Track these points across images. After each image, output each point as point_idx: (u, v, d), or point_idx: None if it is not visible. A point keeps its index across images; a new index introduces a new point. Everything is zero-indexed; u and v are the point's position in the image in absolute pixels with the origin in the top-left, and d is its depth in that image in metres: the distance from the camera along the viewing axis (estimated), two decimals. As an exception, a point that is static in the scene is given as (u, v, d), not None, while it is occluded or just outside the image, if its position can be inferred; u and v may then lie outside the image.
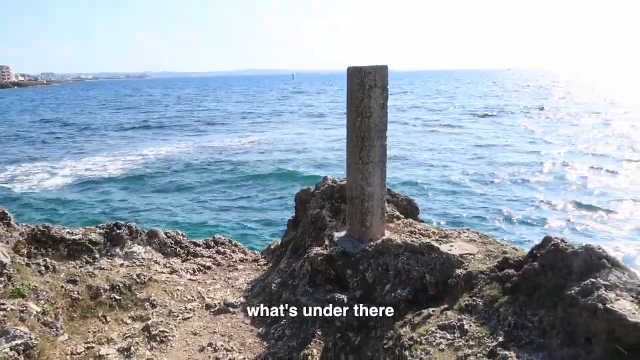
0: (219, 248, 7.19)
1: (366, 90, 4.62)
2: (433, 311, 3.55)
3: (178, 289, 5.65)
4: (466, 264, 3.84)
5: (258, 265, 6.83)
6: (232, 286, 6.15)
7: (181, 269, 6.44)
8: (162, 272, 6.19)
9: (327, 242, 5.04)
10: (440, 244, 4.33)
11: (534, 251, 3.28)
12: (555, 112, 55.08)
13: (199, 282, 6.24)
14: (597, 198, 20.08)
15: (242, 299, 5.53)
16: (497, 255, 3.92)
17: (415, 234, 4.67)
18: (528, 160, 28.35)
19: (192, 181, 25.28)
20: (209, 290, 5.99)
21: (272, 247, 7.06)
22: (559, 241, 3.05)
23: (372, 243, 4.65)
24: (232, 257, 7.03)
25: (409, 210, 6.11)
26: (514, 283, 3.14)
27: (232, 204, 20.81)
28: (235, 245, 7.63)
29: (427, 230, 4.76)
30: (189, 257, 6.84)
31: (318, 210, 5.55)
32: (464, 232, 4.62)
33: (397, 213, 5.41)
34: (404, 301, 3.97)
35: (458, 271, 3.72)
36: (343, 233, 5.14)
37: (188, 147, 37.67)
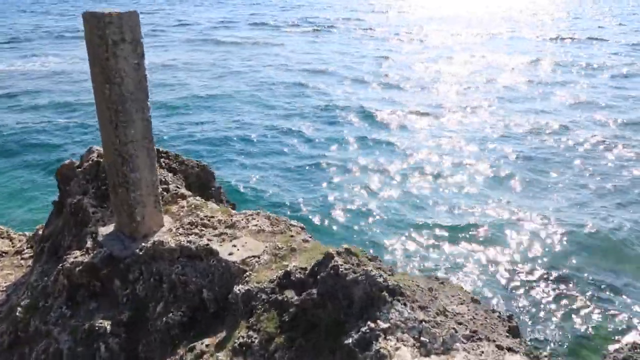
0: (-36, 241, 5.53)
1: (110, 46, 3.38)
2: (207, 346, 2.87)
3: None
4: (248, 273, 3.18)
5: (22, 259, 5.42)
6: (-21, 299, 4.73)
7: None
8: None
9: (89, 244, 3.95)
10: (223, 240, 3.60)
11: (316, 268, 2.71)
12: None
13: None
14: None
15: (-14, 322, 4.23)
16: (284, 256, 3.34)
17: (197, 225, 3.84)
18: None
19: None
20: (-59, 310, 4.51)
21: (40, 232, 5.64)
22: (340, 264, 2.50)
23: (143, 244, 3.71)
24: (-15, 252, 5.46)
25: (203, 178, 5.24)
26: (293, 315, 2.56)
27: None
28: (-6, 231, 5.99)
29: (212, 217, 3.96)
30: None
31: (79, 198, 4.33)
32: (253, 217, 3.94)
33: (183, 190, 4.49)
34: (179, 326, 3.21)
35: (237, 289, 3.05)
36: (111, 228, 4.08)
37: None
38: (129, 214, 3.86)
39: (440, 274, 9.34)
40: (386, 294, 2.30)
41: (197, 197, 4.45)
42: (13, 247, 5.90)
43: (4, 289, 4.87)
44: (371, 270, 2.40)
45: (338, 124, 18.37)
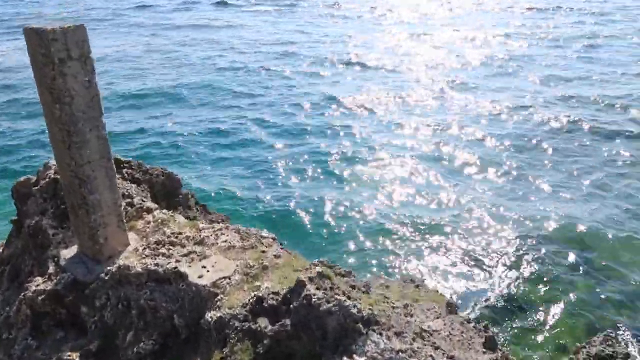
0: None
1: (57, 65, 3.16)
2: (180, 378, 2.78)
3: None
4: (220, 297, 3.09)
5: (-19, 280, 5.16)
6: (-62, 327, 4.50)
7: None
8: None
9: (52, 268, 3.78)
10: (192, 260, 3.48)
11: (288, 296, 2.64)
12: None
13: None
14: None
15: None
16: (256, 275, 3.25)
17: (165, 244, 3.70)
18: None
19: None
20: None
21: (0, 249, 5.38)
22: (312, 293, 2.43)
23: (108, 268, 3.56)
24: (-59, 275, 5.18)
25: (169, 186, 5.06)
26: (267, 347, 2.49)
27: None
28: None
29: (180, 233, 3.83)
30: None
31: (38, 219, 4.12)
32: (222, 232, 3.82)
33: (148, 204, 4.32)
34: (150, 355, 3.11)
35: (209, 315, 2.96)
36: (74, 250, 3.91)
37: None
38: (91, 236, 3.69)
39: (415, 271, 9.41)
40: (361, 326, 2.25)
41: (164, 211, 4.29)
42: (-28, 265, 5.61)
43: (-35, 315, 4.64)
44: (344, 300, 2.34)
45: (303, 111, 18.04)
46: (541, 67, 23.03)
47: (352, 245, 10.35)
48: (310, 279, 2.59)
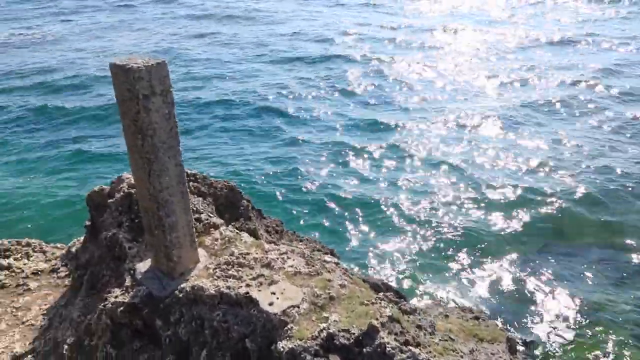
0: (1, 261, 5.68)
1: (141, 101, 3.35)
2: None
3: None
4: (290, 326, 3.26)
5: (58, 277, 5.58)
6: (23, 323, 4.93)
7: (-54, 311, 4.95)
8: None
9: (128, 282, 4.05)
10: (261, 284, 3.67)
11: (360, 338, 2.78)
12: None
13: (-26, 326, 4.88)
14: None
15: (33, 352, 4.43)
16: (324, 306, 3.40)
17: (234, 265, 3.90)
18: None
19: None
20: (-11, 338, 4.71)
21: (74, 249, 5.77)
22: (386, 342, 2.55)
23: (182, 286, 3.80)
24: (22, 271, 5.63)
25: (231, 198, 5.27)
26: (340, 387, 2.65)
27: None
28: (28, 246, 6.15)
29: (248, 254, 4.02)
30: (-43, 287, 5.28)
31: (114, 233, 4.41)
32: (288, 256, 3.98)
33: (214, 219, 4.53)
34: (223, 375, 3.34)
35: (280, 345, 3.13)
36: (148, 263, 4.17)
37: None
38: (166, 255, 3.93)
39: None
40: (435, 381, 2.36)
41: (230, 228, 4.50)
42: (47, 260, 6.06)
43: (45, 312, 5.04)
44: (418, 353, 2.45)
45: (344, 105, 17.97)
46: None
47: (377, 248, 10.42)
48: (383, 325, 2.71)
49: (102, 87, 19.65)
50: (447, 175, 13.26)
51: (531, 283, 9.28)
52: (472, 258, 10.10)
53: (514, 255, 10.12)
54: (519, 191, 12.30)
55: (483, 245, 10.45)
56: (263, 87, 19.71)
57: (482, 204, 11.91)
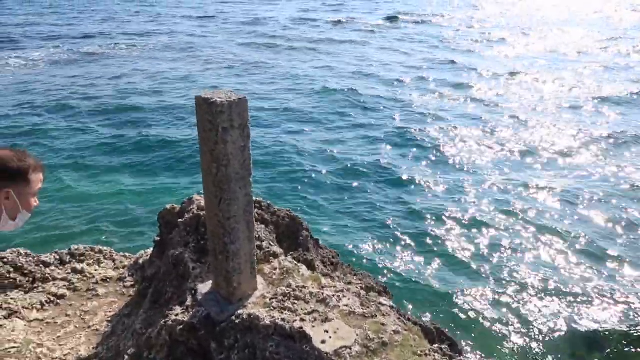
0: (76, 265, 6.10)
1: (220, 133, 3.55)
2: None
3: (10, 352, 4.64)
4: (341, 367, 3.27)
5: (124, 286, 5.90)
6: (89, 327, 5.24)
7: (24, 306, 5.36)
8: (-4, 319, 5.08)
9: (189, 301, 4.23)
10: (315, 320, 3.70)
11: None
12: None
13: (47, 324, 5.24)
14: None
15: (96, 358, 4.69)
16: (376, 351, 3.38)
17: (290, 298, 3.97)
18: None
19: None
20: (58, 337, 5.04)
21: (141, 261, 6.10)
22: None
23: (239, 312, 3.91)
24: (93, 276, 6.00)
25: (292, 228, 5.39)
26: None
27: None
28: (100, 252, 6.56)
29: (304, 287, 4.08)
30: (35, 285, 5.71)
31: (180, 252, 4.63)
32: (344, 295, 4.00)
33: (275, 249, 4.65)
34: (271, 407, 3.38)
35: (330, 386, 3.14)
36: (209, 286, 4.33)
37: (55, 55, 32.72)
38: (227, 280, 4.07)
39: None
40: None
41: (288, 258, 4.59)
42: (115, 268, 6.42)
43: (109, 319, 5.34)
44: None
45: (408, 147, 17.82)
46: None
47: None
48: (437, 382, 2.65)
49: (183, 110, 20.64)
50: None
51: None
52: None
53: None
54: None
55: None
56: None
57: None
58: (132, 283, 5.89)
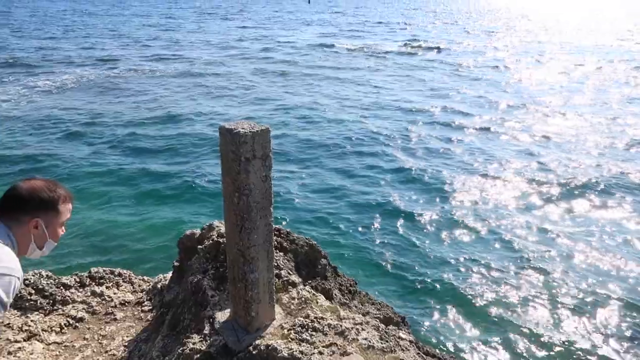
0: (95, 288, 6.15)
1: (243, 163, 3.59)
2: None
3: (31, 376, 4.66)
4: (360, 404, 3.20)
5: (142, 311, 5.91)
6: (106, 352, 5.24)
7: (43, 329, 5.40)
8: (16, 341, 5.13)
9: (207, 330, 4.21)
10: (333, 353, 3.65)
11: None
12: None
13: (65, 347, 5.27)
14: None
15: (112, 383, 4.68)
16: (397, 388, 3.31)
17: (308, 328, 3.93)
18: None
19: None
20: (76, 361, 5.06)
21: (159, 285, 6.12)
22: None
23: (256, 343, 3.88)
24: (112, 300, 6.04)
25: (311, 257, 5.37)
26: None
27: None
28: (119, 275, 6.61)
29: (323, 318, 4.04)
30: (55, 307, 5.77)
31: (199, 279, 4.64)
32: (363, 328, 3.95)
33: (293, 278, 4.63)
34: None
35: None
36: (227, 314, 4.32)
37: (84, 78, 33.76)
38: (245, 309, 4.06)
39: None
40: None
41: (307, 288, 4.56)
42: (133, 292, 6.45)
43: (127, 343, 5.34)
44: None
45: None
46: None
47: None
48: None
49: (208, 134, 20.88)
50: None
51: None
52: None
53: None
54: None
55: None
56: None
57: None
58: (150, 307, 5.91)
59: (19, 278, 2.18)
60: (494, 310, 10.17)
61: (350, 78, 34.29)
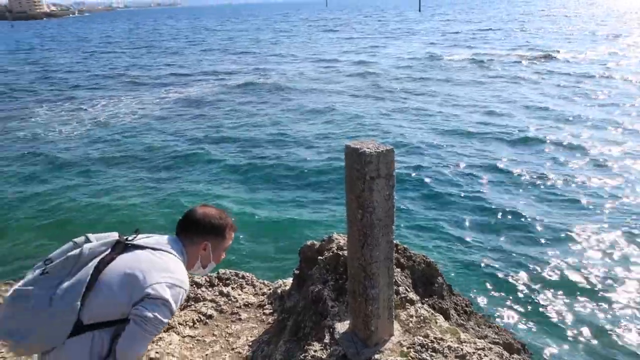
0: (222, 288, 6.69)
1: (367, 181, 3.71)
2: None
3: (170, 365, 5.21)
4: None
5: (264, 313, 6.30)
6: (233, 349, 5.68)
7: (179, 322, 6.00)
8: (158, 332, 5.76)
9: (327, 339, 4.39)
10: (455, 377, 3.60)
11: None
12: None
13: (197, 341, 5.81)
14: None
15: (238, 380, 5.06)
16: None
17: (427, 349, 3.92)
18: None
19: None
20: (206, 355, 5.55)
21: (279, 291, 6.48)
22: None
23: (376, 357, 3.97)
24: (237, 300, 6.52)
25: (428, 275, 5.33)
26: None
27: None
28: (243, 278, 7.11)
29: (442, 339, 4.00)
30: (189, 303, 6.38)
31: (320, 289, 4.84)
32: (485, 354, 3.83)
33: (411, 295, 4.64)
34: None
35: None
36: (347, 324, 4.46)
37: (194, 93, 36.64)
38: (364, 322, 4.16)
39: None
40: None
41: (425, 306, 4.54)
42: (255, 294, 6.89)
43: (250, 343, 5.73)
44: None
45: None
46: None
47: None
48: None
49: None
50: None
51: None
52: None
53: None
54: None
55: None
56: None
57: None
58: (271, 311, 6.28)
59: (185, 290, 2.51)
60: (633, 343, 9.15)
61: (460, 95, 32.52)
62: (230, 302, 6.51)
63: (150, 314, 2.34)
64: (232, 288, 6.85)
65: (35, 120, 29.16)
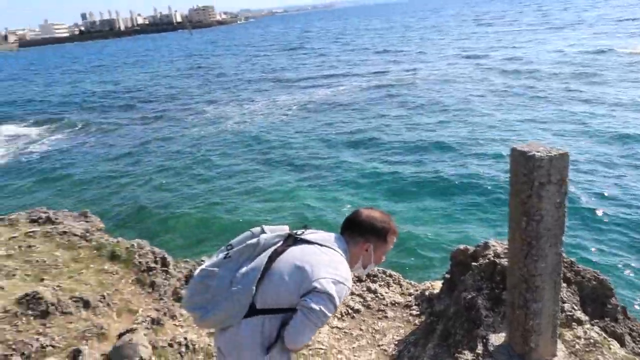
0: (370, 285, 6.81)
1: (536, 187, 3.45)
2: None
3: (319, 352, 5.48)
4: None
5: (410, 314, 6.27)
6: (379, 345, 5.76)
7: (329, 313, 6.27)
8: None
9: (480, 349, 4.21)
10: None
11: None
12: None
13: (344, 333, 6.01)
14: None
15: (384, 377, 5.12)
16: None
17: (600, 376, 3.52)
18: None
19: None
20: (353, 348, 5.72)
21: (427, 293, 6.38)
22: None
23: (535, 376, 3.68)
24: (384, 298, 6.59)
25: (599, 293, 4.77)
26: None
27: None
28: (390, 276, 7.16)
29: (617, 368, 3.55)
30: (338, 296, 6.62)
31: (473, 296, 4.65)
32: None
33: (578, 314, 4.21)
34: None
35: None
36: (502, 337, 4.22)
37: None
38: (523, 337, 3.89)
39: None
40: None
41: (595, 328, 4.08)
42: (402, 294, 6.89)
43: (396, 342, 5.75)
44: None
45: None
46: None
47: None
48: None
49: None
50: None
51: None
52: None
53: None
54: None
55: None
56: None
57: None
58: (418, 313, 6.22)
59: (349, 288, 2.62)
60: None
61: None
62: (377, 298, 6.60)
63: (316, 306, 2.48)
64: (380, 285, 6.93)
65: (204, 118, 33.06)
